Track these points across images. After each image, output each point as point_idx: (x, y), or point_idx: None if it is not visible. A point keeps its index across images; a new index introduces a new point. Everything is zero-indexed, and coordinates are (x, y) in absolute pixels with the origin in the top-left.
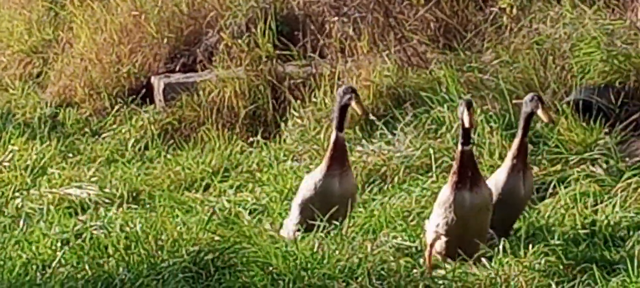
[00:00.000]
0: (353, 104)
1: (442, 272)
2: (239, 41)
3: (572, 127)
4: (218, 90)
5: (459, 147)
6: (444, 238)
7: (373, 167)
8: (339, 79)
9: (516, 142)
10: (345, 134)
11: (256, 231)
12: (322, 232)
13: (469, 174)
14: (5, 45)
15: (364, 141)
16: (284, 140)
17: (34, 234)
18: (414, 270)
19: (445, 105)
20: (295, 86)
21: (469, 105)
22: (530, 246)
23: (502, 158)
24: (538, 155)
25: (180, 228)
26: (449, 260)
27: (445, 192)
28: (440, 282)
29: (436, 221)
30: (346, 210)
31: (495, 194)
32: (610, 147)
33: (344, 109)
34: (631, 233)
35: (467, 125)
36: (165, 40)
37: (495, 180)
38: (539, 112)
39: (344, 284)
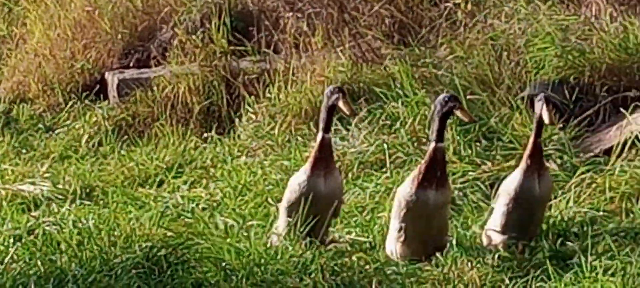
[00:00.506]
0: (340, 104)
1: (395, 268)
2: (193, 37)
3: (526, 122)
4: (172, 85)
5: (433, 143)
6: (408, 239)
7: None
8: (293, 74)
9: (530, 142)
10: (330, 135)
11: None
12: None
13: (437, 173)
14: None
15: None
16: (238, 136)
17: None
18: (367, 266)
19: (399, 101)
20: (249, 82)
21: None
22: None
23: (456, 153)
24: (492, 150)
25: (133, 224)
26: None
27: (407, 190)
28: (394, 277)
29: (398, 223)
30: (334, 211)
31: (511, 195)
32: (565, 143)
33: (331, 109)
34: (585, 228)
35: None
36: (119, 36)
37: (510, 182)
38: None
39: (297, 280)
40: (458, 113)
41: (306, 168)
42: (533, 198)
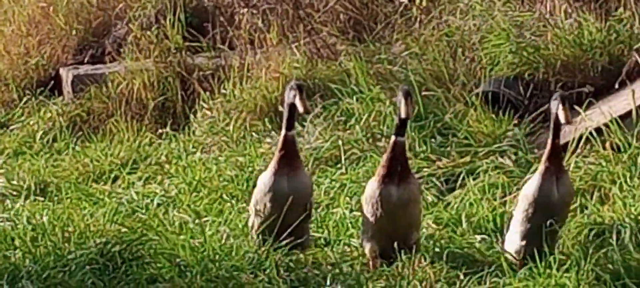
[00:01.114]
0: (296, 101)
1: (350, 263)
2: (148, 33)
3: (481, 118)
4: (127, 81)
5: (393, 137)
6: (375, 236)
7: None
8: (248, 70)
9: (548, 144)
10: (294, 132)
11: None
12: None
13: (398, 168)
14: None
15: (273, 133)
16: (193, 132)
17: None
18: (322, 262)
19: (354, 97)
20: (204, 78)
21: (407, 95)
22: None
23: (411, 149)
24: (447, 146)
25: (88, 220)
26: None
27: (372, 186)
28: (348, 273)
29: (366, 220)
30: (302, 211)
31: (529, 200)
32: (519, 139)
33: (292, 106)
34: None
35: (403, 115)
36: (74, 32)
37: (529, 186)
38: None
39: (252, 276)
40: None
41: (271, 166)
42: (551, 202)
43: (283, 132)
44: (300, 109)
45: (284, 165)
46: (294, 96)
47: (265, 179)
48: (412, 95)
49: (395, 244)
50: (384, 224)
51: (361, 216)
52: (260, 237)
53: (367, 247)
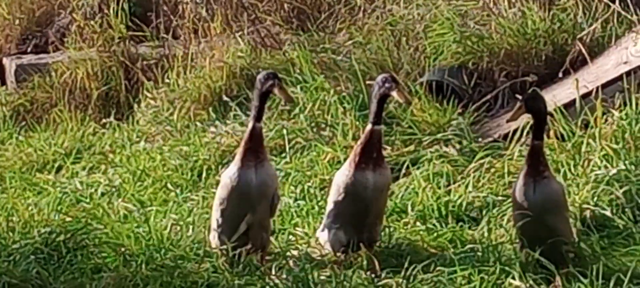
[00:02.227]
0: (276, 90)
1: (295, 252)
2: (92, 22)
3: (425, 107)
4: (70, 71)
5: (369, 125)
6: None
7: (226, 148)
8: (192, 60)
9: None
10: (261, 125)
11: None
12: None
13: (373, 155)
14: None
15: (217, 122)
16: (137, 122)
17: None
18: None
19: (298, 86)
20: (148, 67)
21: (395, 82)
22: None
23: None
24: (391, 135)
25: (32, 209)
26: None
27: (345, 173)
28: (294, 261)
29: (333, 209)
30: (269, 205)
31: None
32: (463, 128)
33: (264, 96)
34: (483, 213)
35: (405, 102)
36: (16, 22)
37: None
38: (394, 93)
39: (197, 265)
40: (394, 94)
41: (236, 160)
42: (527, 204)
43: (251, 122)
44: (284, 99)
45: (249, 157)
46: (272, 85)
47: (230, 173)
48: (398, 80)
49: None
50: (356, 211)
51: (328, 209)
52: (221, 237)
53: (333, 239)
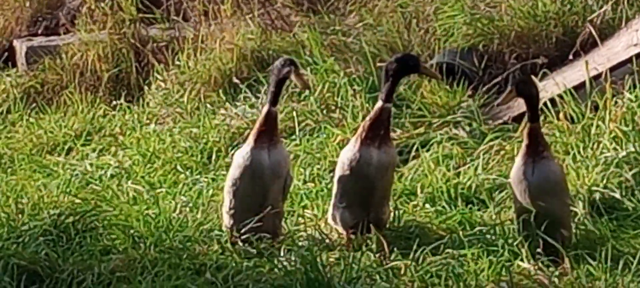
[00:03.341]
0: (293, 77)
1: (304, 234)
2: (102, 4)
3: (435, 90)
4: (81, 53)
5: (379, 102)
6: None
7: (236, 130)
8: (202, 42)
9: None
10: (277, 109)
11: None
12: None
13: (380, 132)
14: None
15: (227, 104)
16: (147, 104)
17: None
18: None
19: (309, 69)
20: (158, 49)
21: (419, 62)
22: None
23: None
24: (401, 118)
25: (41, 191)
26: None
27: (351, 149)
28: (301, 243)
29: (339, 187)
30: (282, 186)
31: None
32: (473, 110)
33: (281, 82)
34: (493, 195)
35: (300, 85)
36: (27, 4)
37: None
38: (293, 76)
39: (206, 246)
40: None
41: (249, 141)
42: (524, 187)
43: (267, 106)
44: (300, 85)
45: (263, 139)
46: (289, 72)
47: (243, 153)
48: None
49: (368, 215)
50: (362, 189)
51: (335, 188)
52: (234, 220)
53: (341, 219)
